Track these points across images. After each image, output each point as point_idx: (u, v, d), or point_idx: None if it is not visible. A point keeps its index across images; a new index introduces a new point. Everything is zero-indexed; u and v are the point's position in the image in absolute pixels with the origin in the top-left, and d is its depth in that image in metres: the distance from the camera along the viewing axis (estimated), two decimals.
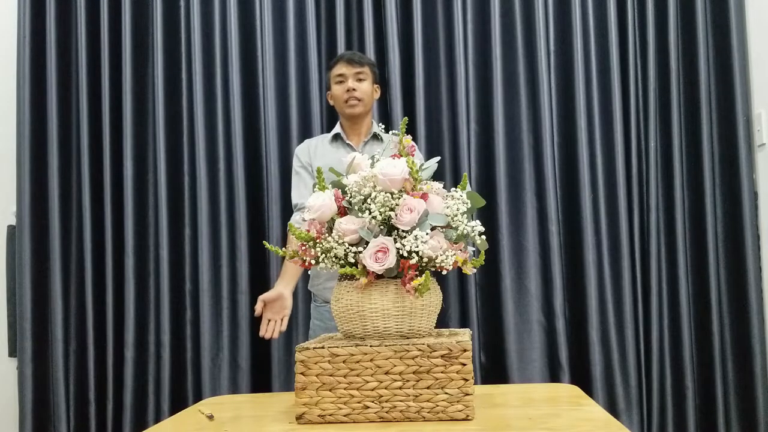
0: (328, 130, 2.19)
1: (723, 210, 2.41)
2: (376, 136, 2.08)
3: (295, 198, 2.05)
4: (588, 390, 2.30)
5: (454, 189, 1.23)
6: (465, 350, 1.13)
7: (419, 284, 1.14)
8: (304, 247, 1.22)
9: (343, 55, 2.09)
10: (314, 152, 2.08)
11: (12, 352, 2.58)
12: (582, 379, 2.35)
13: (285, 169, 2.43)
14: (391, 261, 1.14)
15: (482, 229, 1.18)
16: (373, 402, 1.14)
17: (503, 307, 2.40)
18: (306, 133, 2.46)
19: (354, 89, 2.02)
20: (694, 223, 2.44)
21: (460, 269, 1.21)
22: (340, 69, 2.04)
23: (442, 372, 1.13)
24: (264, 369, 2.45)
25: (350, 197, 1.23)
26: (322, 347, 1.15)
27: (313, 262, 1.22)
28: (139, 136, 2.55)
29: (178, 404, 2.41)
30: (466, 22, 2.50)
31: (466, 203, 1.20)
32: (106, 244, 2.52)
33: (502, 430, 1.10)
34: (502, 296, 2.40)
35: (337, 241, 1.19)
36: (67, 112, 2.58)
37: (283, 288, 1.81)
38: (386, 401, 1.14)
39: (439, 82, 2.52)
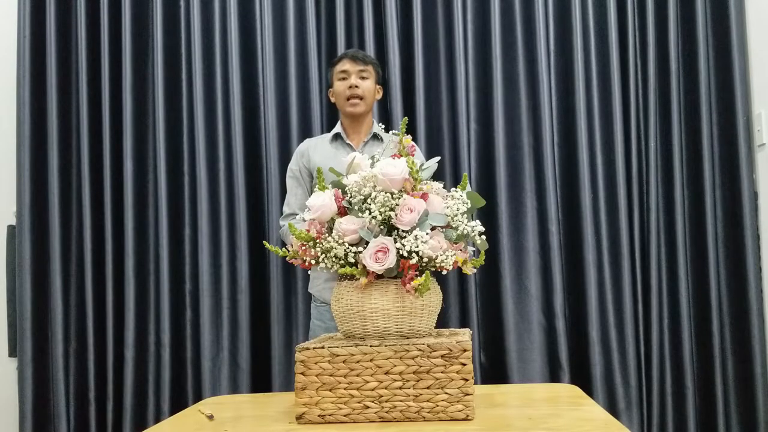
0: (329, 130, 2.19)
1: (723, 210, 2.41)
2: (376, 136, 2.08)
3: (284, 206, 2.10)
4: (588, 390, 2.30)
5: (454, 189, 1.23)
6: (465, 350, 1.13)
7: (419, 284, 1.14)
8: (304, 247, 1.22)
9: (347, 52, 2.08)
10: (313, 152, 2.08)
11: (12, 352, 2.58)
12: (582, 379, 2.35)
13: (285, 169, 2.41)
14: (391, 261, 1.14)
15: (482, 229, 1.18)
16: (373, 402, 1.14)
17: (503, 307, 2.40)
18: (306, 133, 2.46)
19: (357, 87, 2.01)
20: (694, 223, 2.44)
21: (460, 269, 1.21)
22: (344, 66, 2.03)
23: (442, 372, 1.13)
24: (264, 369, 2.45)
25: (350, 197, 1.23)
26: (322, 347, 1.15)
27: (313, 262, 1.22)
28: (139, 136, 2.55)
29: (178, 404, 2.41)
30: (466, 22, 2.50)
31: (466, 203, 1.20)
32: (106, 243, 2.52)
33: (502, 430, 1.10)
34: (502, 296, 2.40)
35: (337, 241, 1.19)
36: (67, 112, 2.58)
37: None
38: (386, 401, 1.14)
39: (439, 82, 2.51)
